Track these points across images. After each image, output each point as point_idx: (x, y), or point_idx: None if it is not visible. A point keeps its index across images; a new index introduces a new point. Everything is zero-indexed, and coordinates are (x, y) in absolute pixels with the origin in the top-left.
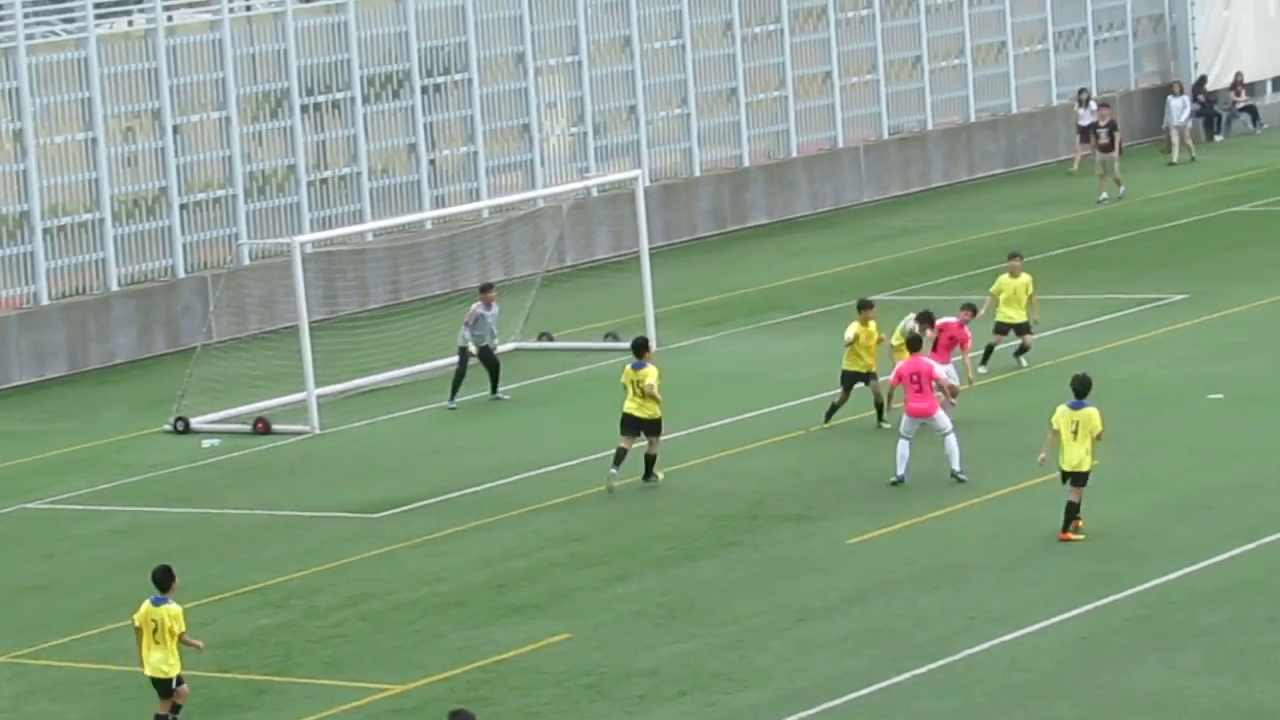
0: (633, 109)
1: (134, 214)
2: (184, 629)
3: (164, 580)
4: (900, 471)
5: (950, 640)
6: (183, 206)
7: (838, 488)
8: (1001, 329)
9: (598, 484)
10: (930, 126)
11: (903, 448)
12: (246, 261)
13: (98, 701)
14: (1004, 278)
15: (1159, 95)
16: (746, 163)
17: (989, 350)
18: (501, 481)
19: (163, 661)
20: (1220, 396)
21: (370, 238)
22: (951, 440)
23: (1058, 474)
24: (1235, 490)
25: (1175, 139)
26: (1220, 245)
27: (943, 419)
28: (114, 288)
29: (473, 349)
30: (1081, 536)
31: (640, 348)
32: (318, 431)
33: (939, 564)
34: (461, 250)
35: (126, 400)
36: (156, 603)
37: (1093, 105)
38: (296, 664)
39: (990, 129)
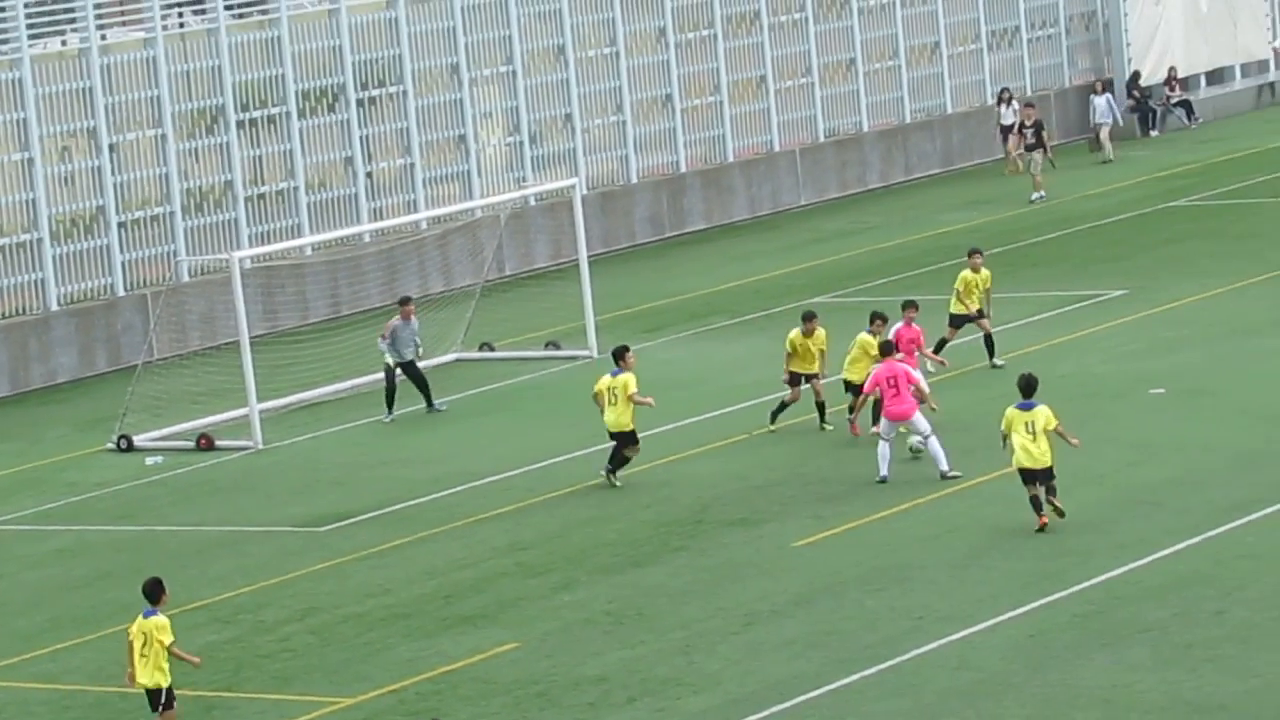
0: (568, 117)
1: (72, 233)
2: (172, 640)
3: (153, 593)
4: (884, 471)
5: (898, 641)
6: (121, 225)
7: (782, 491)
8: (957, 322)
9: (542, 493)
10: (866, 129)
11: (883, 449)
12: (186, 278)
13: None
14: (965, 273)
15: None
16: (683, 169)
17: (943, 343)
18: (446, 492)
19: (149, 675)
20: (1162, 391)
21: (309, 252)
22: (934, 443)
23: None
24: (1179, 485)
25: (1103, 135)
26: (1158, 240)
27: (921, 421)
28: (54, 307)
29: (391, 362)
30: (1058, 510)
31: (619, 355)
32: (261, 447)
33: (885, 565)
34: (401, 262)
35: (69, 420)
36: (147, 615)
37: (1015, 104)
38: (245, 679)
39: (925, 130)
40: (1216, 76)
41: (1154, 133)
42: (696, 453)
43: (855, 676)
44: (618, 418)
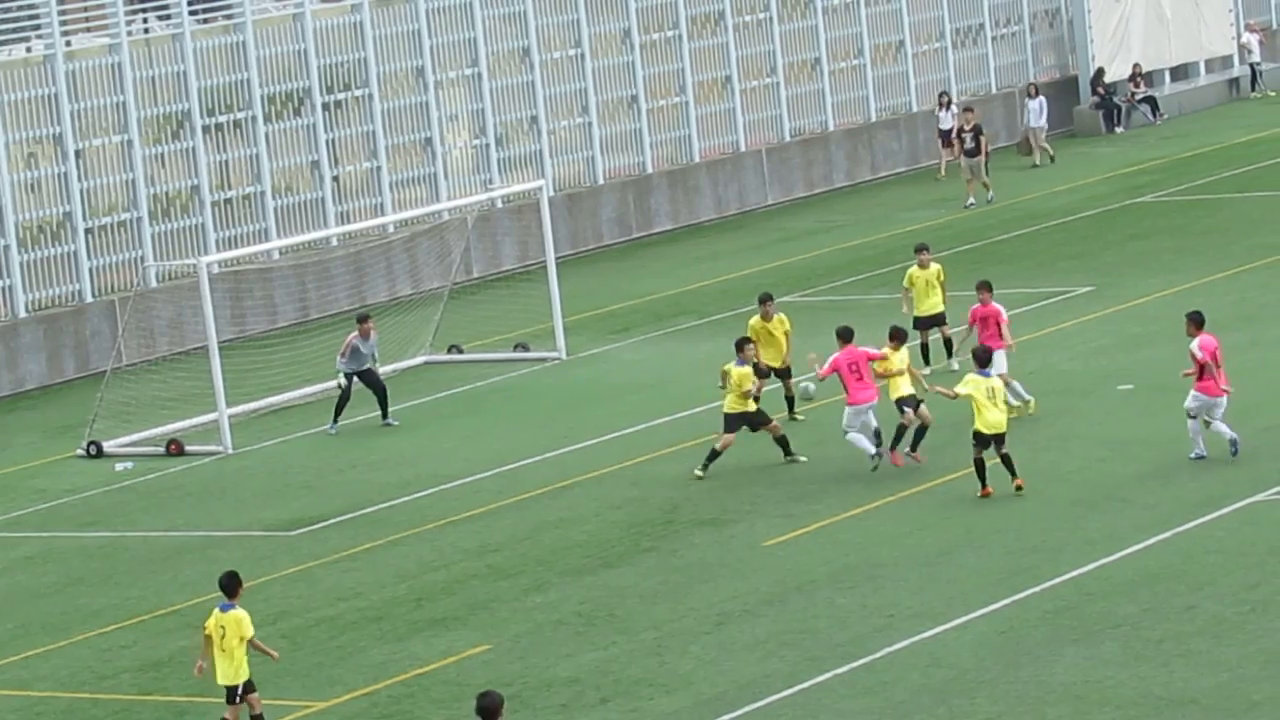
0: (534, 119)
1: (39, 239)
2: (251, 634)
3: (231, 586)
4: (872, 451)
5: (870, 639)
6: (88, 231)
7: (752, 491)
8: (923, 324)
9: (512, 495)
10: (831, 127)
11: (856, 439)
12: (154, 284)
13: None
14: (914, 270)
15: (1059, 89)
16: (649, 169)
17: (924, 349)
18: (416, 495)
19: (229, 668)
20: (1130, 387)
21: (276, 256)
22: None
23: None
24: (1147, 480)
25: (1034, 141)
26: (1123, 237)
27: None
28: (22, 314)
29: (346, 373)
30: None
31: (741, 345)
32: (231, 451)
33: (856, 563)
34: (368, 265)
35: (38, 426)
36: (224, 609)
37: (954, 108)
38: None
39: (891, 128)
40: (1181, 72)
41: (1119, 129)
42: (666, 453)
43: (827, 675)
44: (740, 402)
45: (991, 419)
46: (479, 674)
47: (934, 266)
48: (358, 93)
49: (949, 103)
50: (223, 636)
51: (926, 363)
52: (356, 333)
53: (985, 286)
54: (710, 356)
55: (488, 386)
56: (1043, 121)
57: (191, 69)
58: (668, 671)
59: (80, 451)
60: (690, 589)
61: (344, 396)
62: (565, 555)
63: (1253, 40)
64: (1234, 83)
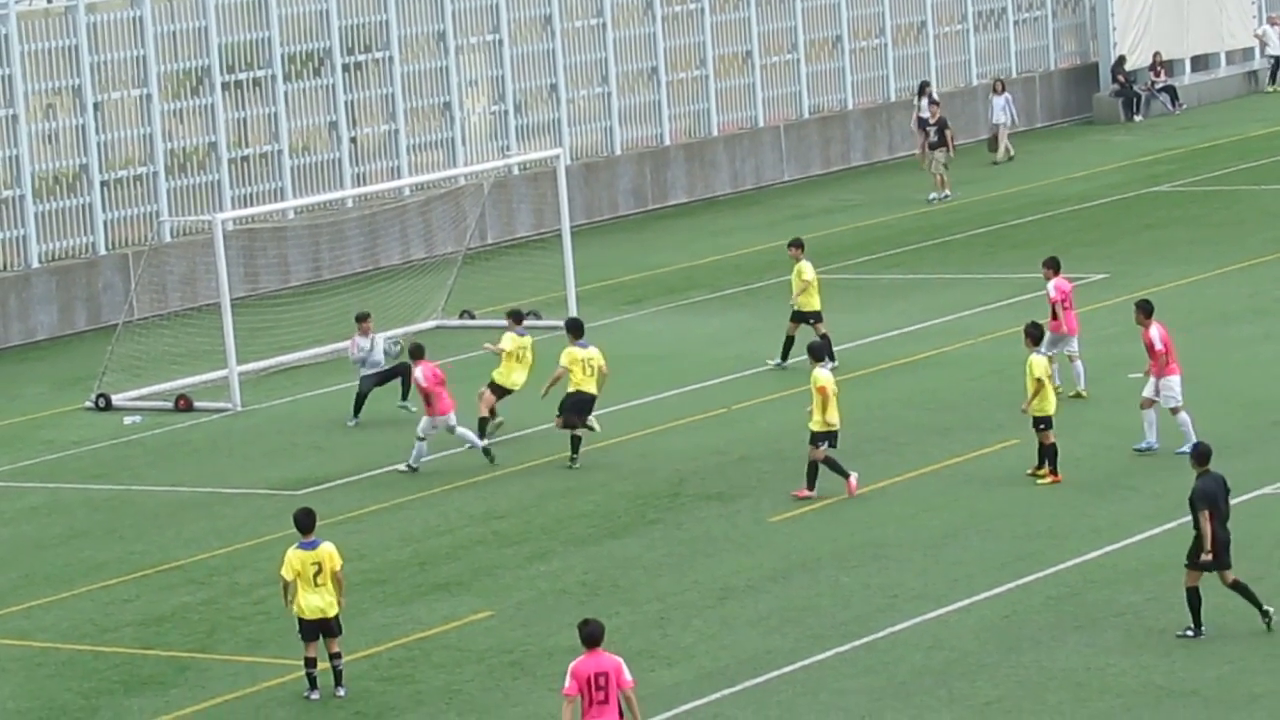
0: (553, 87)
1: (55, 191)
2: (340, 565)
3: (308, 522)
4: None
5: (872, 618)
6: (104, 184)
7: (759, 467)
8: (798, 317)
9: (519, 462)
10: (851, 106)
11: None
12: (168, 239)
13: (20, 678)
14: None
15: (1079, 75)
16: (667, 141)
17: (788, 342)
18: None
19: (327, 600)
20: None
21: (291, 215)
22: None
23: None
24: (1155, 469)
25: (1000, 136)
26: (1139, 225)
27: None
28: (35, 264)
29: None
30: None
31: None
32: (239, 409)
33: (860, 542)
34: (383, 228)
35: (47, 377)
36: (310, 546)
37: (935, 98)
38: (219, 641)
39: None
40: (1201, 63)
41: (1138, 117)
42: (674, 426)
43: (829, 653)
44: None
45: (817, 418)
46: (480, 640)
47: (800, 264)
48: (378, 55)
49: (930, 93)
50: (317, 572)
51: (784, 358)
52: (358, 332)
53: (1051, 264)
54: (721, 331)
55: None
56: (1007, 118)
57: (213, 25)
58: (670, 644)
59: (89, 404)
60: (695, 563)
61: (363, 395)
62: (571, 524)
63: (1271, 33)
64: (1254, 75)
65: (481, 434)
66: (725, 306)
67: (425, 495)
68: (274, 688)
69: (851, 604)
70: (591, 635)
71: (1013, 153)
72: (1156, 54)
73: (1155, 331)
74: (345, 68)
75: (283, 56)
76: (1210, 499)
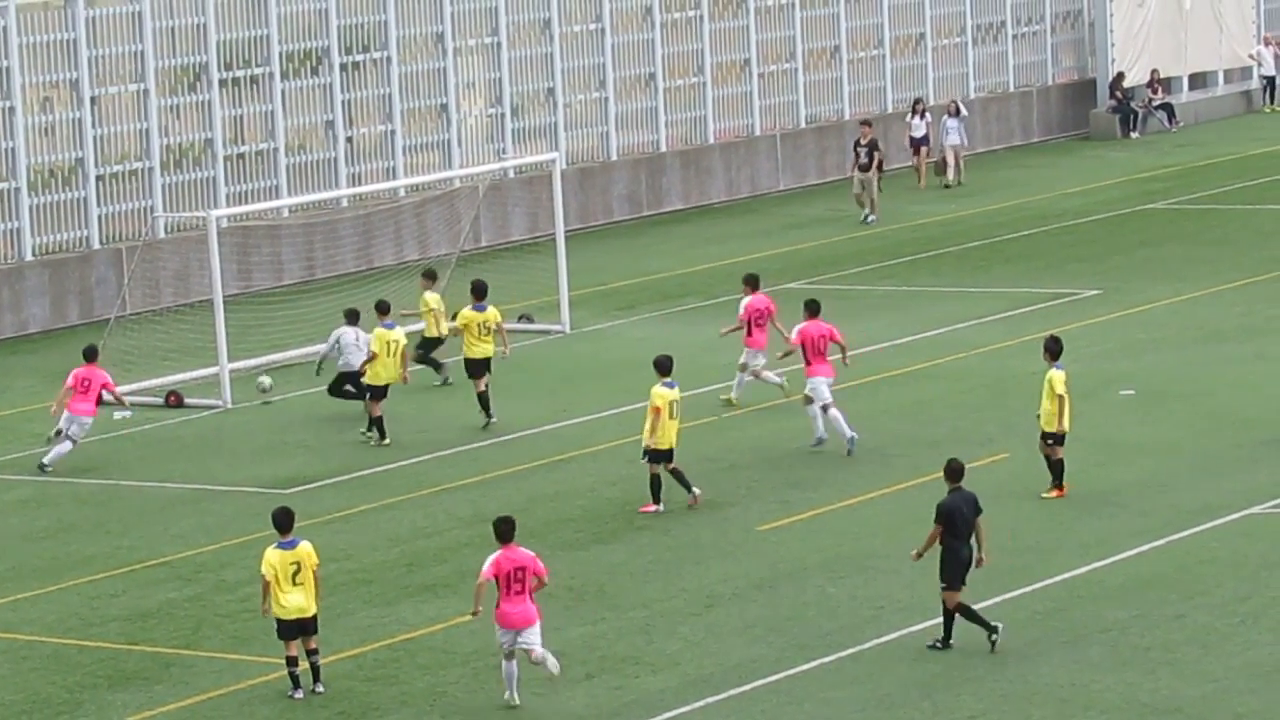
0: (551, 92)
1: (50, 184)
2: (318, 562)
3: (286, 522)
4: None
5: (858, 629)
6: (99, 178)
7: (749, 475)
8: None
9: (508, 466)
10: (847, 116)
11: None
12: (162, 234)
13: (5, 671)
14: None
15: (1077, 90)
16: (663, 148)
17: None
18: (412, 460)
19: (308, 599)
20: (1131, 392)
21: (286, 213)
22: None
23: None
24: (1143, 487)
25: (950, 158)
26: (1133, 242)
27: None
28: (28, 257)
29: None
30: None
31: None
32: (230, 406)
33: (848, 553)
34: (377, 228)
35: (38, 370)
36: (289, 546)
37: (928, 116)
38: (205, 638)
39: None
40: (1199, 81)
41: (1134, 134)
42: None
43: (814, 663)
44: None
45: (657, 434)
46: (466, 642)
47: (428, 295)
48: (376, 55)
49: (924, 110)
50: (297, 571)
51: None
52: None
53: (750, 282)
54: (714, 339)
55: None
56: (960, 140)
57: (211, 21)
58: (655, 650)
59: None
60: (682, 570)
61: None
62: (559, 529)
63: (1266, 53)
64: (1251, 94)
65: (382, 435)
66: (718, 314)
67: (414, 496)
68: (258, 685)
69: (838, 614)
70: (502, 532)
71: (964, 179)
72: (1154, 71)
73: (799, 330)
74: (343, 67)
75: (281, 55)
76: (949, 516)
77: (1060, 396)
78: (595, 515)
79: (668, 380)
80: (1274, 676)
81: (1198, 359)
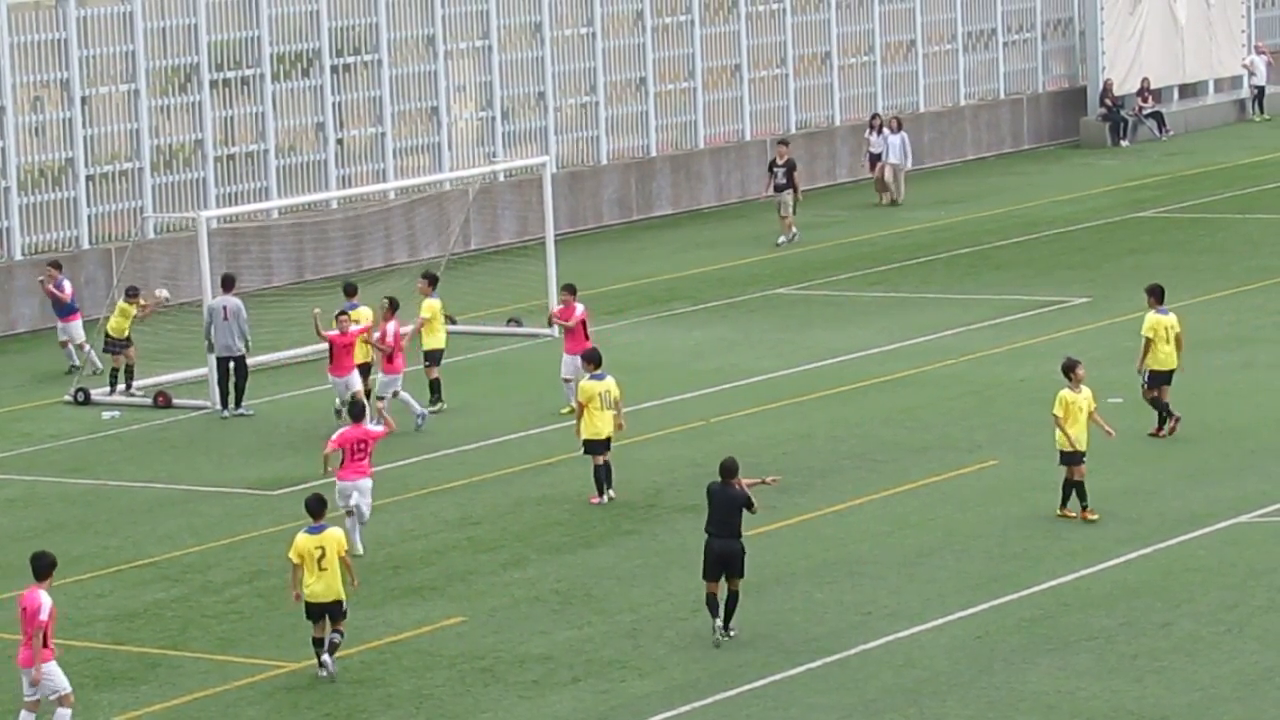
0: (541, 95)
1: (40, 183)
2: (346, 549)
3: (318, 508)
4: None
5: (845, 635)
6: (89, 178)
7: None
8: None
9: (496, 469)
10: (838, 122)
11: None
12: (151, 235)
13: None
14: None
15: (1067, 98)
16: (653, 153)
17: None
18: (399, 463)
19: (334, 584)
20: (1119, 400)
21: (276, 215)
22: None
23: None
24: (1132, 495)
25: (890, 175)
26: (1123, 250)
27: None
28: (17, 256)
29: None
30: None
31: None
32: (218, 407)
33: (835, 559)
34: (367, 230)
35: (27, 370)
36: (316, 531)
37: (886, 131)
38: (191, 638)
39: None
40: (1190, 90)
41: (1124, 142)
42: (652, 437)
43: (800, 669)
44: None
45: (597, 427)
46: (452, 645)
47: (362, 310)
48: (367, 57)
49: (880, 125)
50: (322, 556)
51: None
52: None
53: (568, 290)
54: (703, 343)
55: (478, 359)
56: (897, 158)
57: (203, 22)
58: (642, 655)
59: (68, 398)
60: (669, 574)
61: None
62: (546, 532)
63: (1258, 62)
64: (1242, 103)
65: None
66: (707, 319)
67: (401, 499)
68: (244, 687)
69: (824, 620)
70: (354, 414)
71: (901, 197)
72: (1144, 79)
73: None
74: (334, 69)
75: (272, 56)
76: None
77: (1090, 415)
78: (582, 519)
79: (596, 373)
80: (1260, 685)
81: (1186, 367)
